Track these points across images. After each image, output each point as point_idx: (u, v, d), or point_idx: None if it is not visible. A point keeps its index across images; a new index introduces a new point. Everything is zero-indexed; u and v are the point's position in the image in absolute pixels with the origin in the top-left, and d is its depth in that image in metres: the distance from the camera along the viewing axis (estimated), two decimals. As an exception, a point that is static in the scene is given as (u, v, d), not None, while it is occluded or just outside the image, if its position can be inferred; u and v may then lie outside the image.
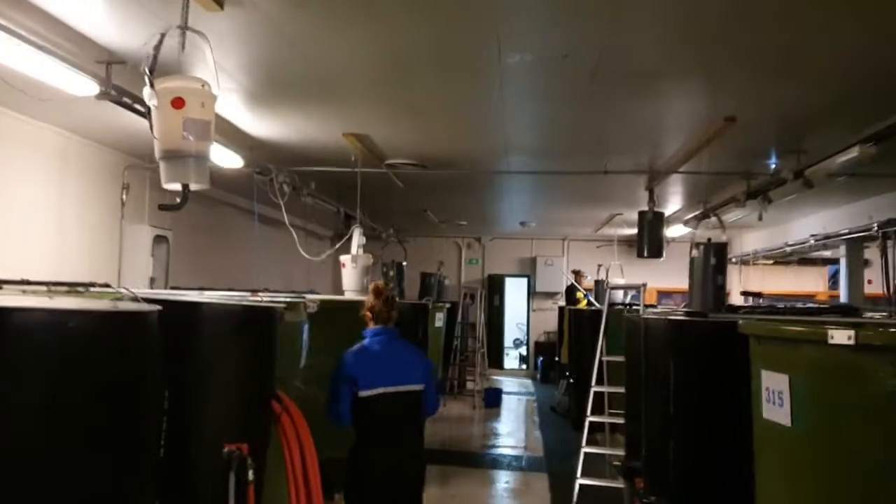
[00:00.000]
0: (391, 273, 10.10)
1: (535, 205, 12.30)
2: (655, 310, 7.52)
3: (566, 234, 16.90)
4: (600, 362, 7.40)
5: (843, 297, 11.21)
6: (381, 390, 4.13)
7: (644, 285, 7.41)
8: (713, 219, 11.11)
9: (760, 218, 8.41)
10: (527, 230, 15.77)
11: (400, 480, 4.16)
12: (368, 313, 4.43)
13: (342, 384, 4.14)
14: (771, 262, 14.92)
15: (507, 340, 19.63)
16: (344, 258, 7.14)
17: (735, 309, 5.22)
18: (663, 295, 16.93)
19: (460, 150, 7.70)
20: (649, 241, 9.26)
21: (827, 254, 13.65)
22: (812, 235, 11.21)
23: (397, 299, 4.59)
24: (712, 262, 6.57)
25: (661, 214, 9.36)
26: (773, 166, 7.73)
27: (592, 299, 13.09)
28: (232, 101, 6.04)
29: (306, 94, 5.84)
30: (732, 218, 11.54)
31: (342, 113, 6.33)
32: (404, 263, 10.47)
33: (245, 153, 7.31)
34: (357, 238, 7.22)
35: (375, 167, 8.09)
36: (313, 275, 15.91)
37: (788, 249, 12.39)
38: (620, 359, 6.61)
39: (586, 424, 6.92)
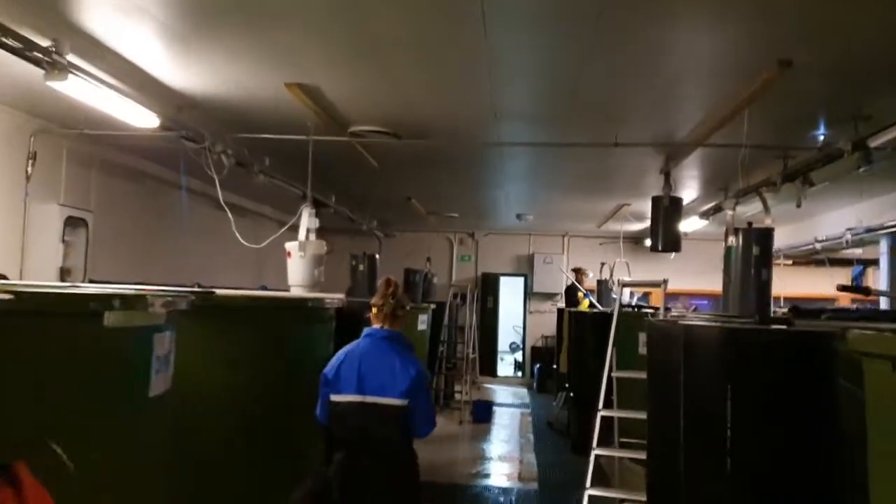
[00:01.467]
0: (361, 267, 8.63)
1: (532, 193, 10.87)
2: (672, 313, 6.11)
3: (567, 230, 15.48)
4: (609, 379, 5.95)
5: (884, 301, 9.80)
6: (349, 398, 3.80)
7: (665, 282, 6.00)
8: (734, 211, 9.72)
9: (799, 205, 6.97)
10: (524, 225, 14.35)
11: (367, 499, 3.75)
12: (373, 309, 4.03)
13: (321, 383, 3.94)
14: (789, 262, 13.45)
15: (502, 344, 18.23)
16: (289, 245, 5.71)
17: (803, 314, 3.79)
18: (670, 297, 15.53)
19: (439, 113, 6.27)
20: (665, 233, 7.84)
21: (858, 251, 12.26)
22: (849, 229, 9.79)
23: (401, 296, 4.07)
24: (754, 251, 5.15)
25: (679, 201, 7.93)
26: (822, 138, 6.31)
27: (595, 300, 11.68)
28: (144, 38, 4.63)
29: (235, 27, 4.43)
30: (749, 212, 10.16)
31: (281, 54, 4.91)
32: (377, 256, 8.97)
33: (171, 113, 5.90)
34: (307, 220, 5.80)
35: (337, 136, 6.65)
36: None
37: (818, 246, 10.96)
38: (637, 376, 5.19)
39: (592, 459, 5.46)
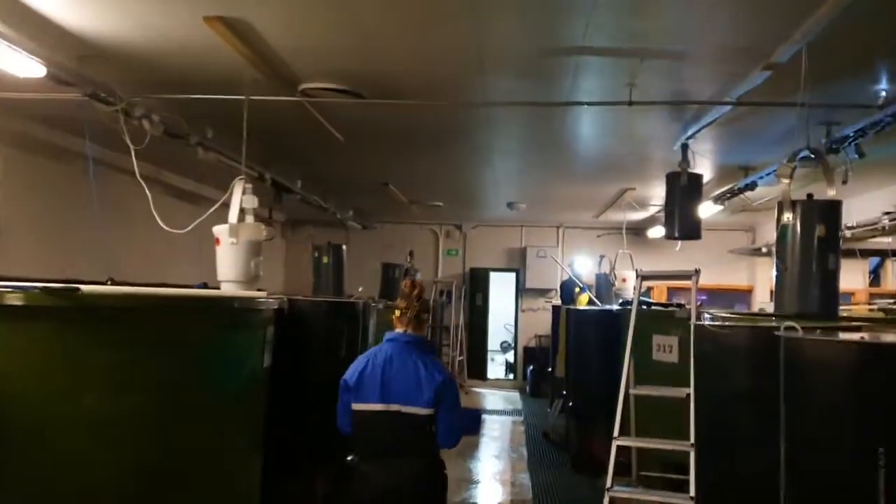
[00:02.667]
0: (325, 259, 7.37)
1: (525, 176, 9.65)
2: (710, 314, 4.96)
3: (562, 221, 14.29)
4: (626, 397, 4.75)
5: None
6: (372, 406, 3.64)
7: (698, 273, 4.83)
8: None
9: (845, 181, 5.78)
10: (515, 215, 13.14)
11: None
12: (396, 312, 3.83)
13: (341, 389, 3.78)
14: None
15: (492, 343, 17.05)
16: (218, 230, 4.47)
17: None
18: (674, 292, 14.37)
19: (412, 64, 5.05)
20: (682, 217, 6.66)
21: (886, 240, 11.10)
22: (886, 213, 8.63)
23: (426, 300, 3.86)
24: (818, 231, 3.96)
25: (699, 179, 6.75)
26: (883, 94, 5.12)
27: (594, 297, 10.50)
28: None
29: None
30: (768, 196, 9.01)
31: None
32: (344, 247, 7.68)
33: (70, 64, 4.67)
34: (239, 197, 4.55)
35: (284, 96, 5.42)
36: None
37: (848, 233, 9.79)
38: (670, 394, 4.01)
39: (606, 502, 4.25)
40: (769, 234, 13.67)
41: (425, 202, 11.69)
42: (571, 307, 9.21)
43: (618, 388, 7.65)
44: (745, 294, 14.38)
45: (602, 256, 11.72)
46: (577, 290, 10.52)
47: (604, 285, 11.21)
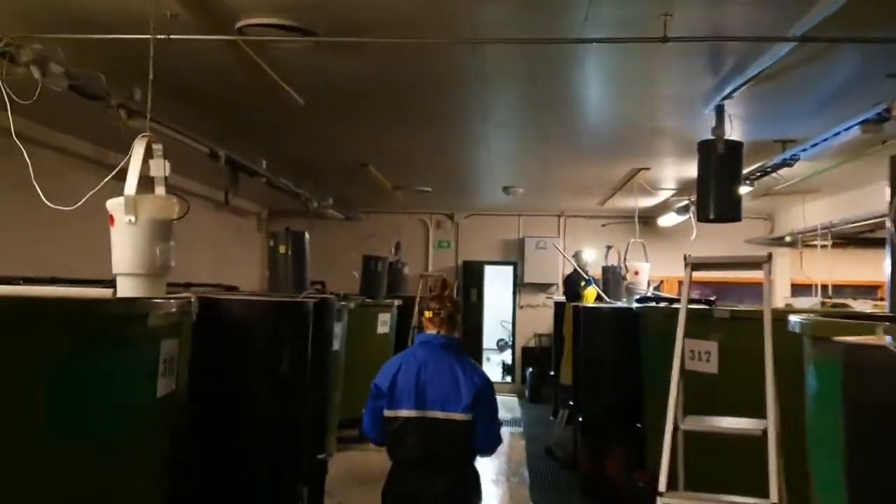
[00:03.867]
0: (283, 249, 6.10)
1: (523, 153, 8.42)
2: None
3: (563, 209, 13.09)
4: (675, 432, 3.56)
5: None
6: (405, 412, 3.44)
7: (769, 258, 3.65)
8: (776, 174, 7.36)
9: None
10: (512, 202, 11.94)
11: None
12: (427, 313, 3.62)
13: (369, 395, 3.59)
14: (829, 243, 11.05)
15: (488, 341, 15.92)
16: (112, 204, 3.25)
17: None
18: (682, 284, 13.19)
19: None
20: (718, 194, 5.46)
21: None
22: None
23: (456, 299, 3.78)
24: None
25: (739, 148, 5.53)
26: None
27: (602, 292, 9.32)
28: None
29: None
30: (790, 179, 7.85)
31: None
32: (307, 235, 6.38)
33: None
34: (140, 161, 3.33)
35: (216, 34, 4.21)
36: (237, 263, 12.07)
37: (889, 222, 8.64)
38: (745, 428, 2.84)
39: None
40: (791, 222, 12.52)
41: (412, 188, 10.47)
42: (580, 304, 8.02)
43: (637, 400, 6.55)
44: (761, 288, 13.17)
45: (609, 247, 10.54)
46: (583, 283, 9.32)
47: (612, 279, 10.03)
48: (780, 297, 12.92)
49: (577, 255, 9.67)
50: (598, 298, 9.22)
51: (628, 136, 7.12)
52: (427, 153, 8.34)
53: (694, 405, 4.87)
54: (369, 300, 8.29)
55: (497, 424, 3.60)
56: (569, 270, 10.79)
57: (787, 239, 11.05)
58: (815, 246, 11.46)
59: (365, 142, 7.79)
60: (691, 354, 5.23)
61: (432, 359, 3.51)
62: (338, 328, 5.99)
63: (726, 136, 5.41)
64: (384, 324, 8.29)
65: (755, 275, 13.00)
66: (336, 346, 5.78)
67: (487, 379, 3.59)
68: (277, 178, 8.71)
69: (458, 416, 3.40)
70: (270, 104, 5.96)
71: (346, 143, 7.83)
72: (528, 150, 8.11)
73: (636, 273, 9.00)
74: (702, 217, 5.57)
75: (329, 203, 11.06)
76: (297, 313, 3.88)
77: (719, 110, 5.48)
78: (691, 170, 8.81)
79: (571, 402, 7.94)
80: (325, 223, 12.33)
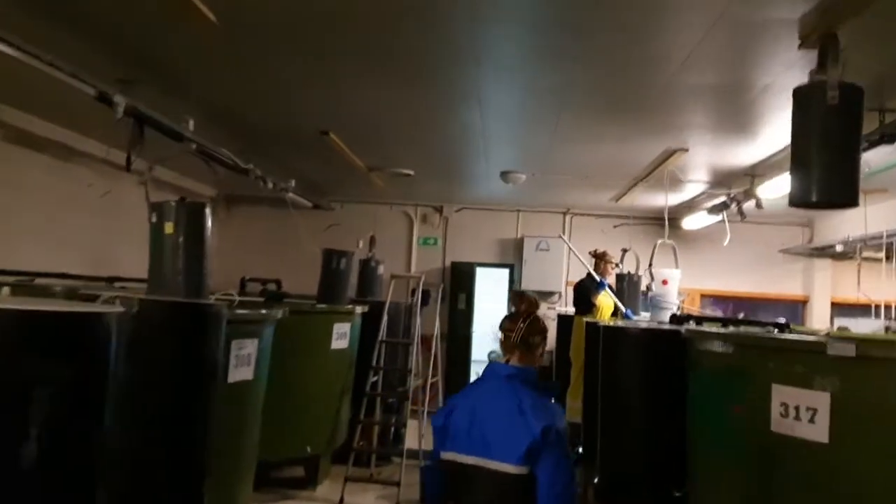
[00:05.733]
0: (168, 230, 4.12)
1: (528, 122, 6.53)
2: None
3: (569, 206, 11.23)
4: None
5: None
6: (459, 457, 2.90)
7: None
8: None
9: None
10: (511, 195, 10.12)
11: None
12: (501, 335, 3.08)
13: (434, 431, 3.03)
14: (878, 256, 9.18)
15: (478, 353, 14.04)
16: None
17: None
18: (708, 300, 11.35)
19: None
20: (825, 165, 3.57)
21: None
22: None
23: (539, 319, 3.06)
24: None
25: (858, 96, 3.65)
26: None
27: (622, 305, 7.48)
28: None
29: None
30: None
31: None
32: (208, 210, 4.39)
33: None
34: None
35: None
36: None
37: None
38: None
39: None
40: (834, 229, 10.68)
41: (390, 169, 8.60)
42: (597, 321, 6.17)
43: (679, 459, 4.71)
44: (797, 305, 11.36)
45: (625, 250, 8.69)
46: (601, 296, 7.44)
47: (629, 289, 8.20)
48: (817, 316, 11.13)
49: (596, 258, 7.74)
50: (616, 313, 7.38)
51: (668, 95, 5.25)
52: (406, 119, 6.47)
53: (786, 493, 3.23)
54: (322, 306, 6.42)
55: (569, 488, 2.83)
56: (576, 274, 8.87)
57: (839, 248, 9.18)
58: (875, 258, 9.65)
59: (323, 100, 5.94)
60: (783, 410, 3.39)
61: (492, 393, 2.95)
62: (250, 346, 4.13)
63: (842, 79, 3.55)
64: (342, 336, 6.42)
65: (791, 291, 11.16)
66: (244, 373, 3.93)
67: (555, 426, 2.80)
68: (217, 147, 6.88)
69: (511, 469, 2.78)
70: (175, 27, 4.13)
71: (299, 100, 5.99)
72: (533, 116, 6.22)
73: (664, 283, 7.14)
74: (798, 200, 3.68)
75: (290, 186, 9.18)
76: (66, 334, 1.96)
77: (826, 43, 3.63)
78: (740, 153, 7.05)
79: (581, 450, 6.08)
80: (289, 213, 10.48)
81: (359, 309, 6.73)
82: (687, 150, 6.75)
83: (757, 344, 3.54)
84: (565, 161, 7.80)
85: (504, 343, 3.06)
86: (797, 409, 3.29)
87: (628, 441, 4.93)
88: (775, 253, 11.18)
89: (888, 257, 8.20)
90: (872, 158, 6.00)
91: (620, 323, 6.04)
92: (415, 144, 7.47)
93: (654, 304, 7.16)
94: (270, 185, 8.44)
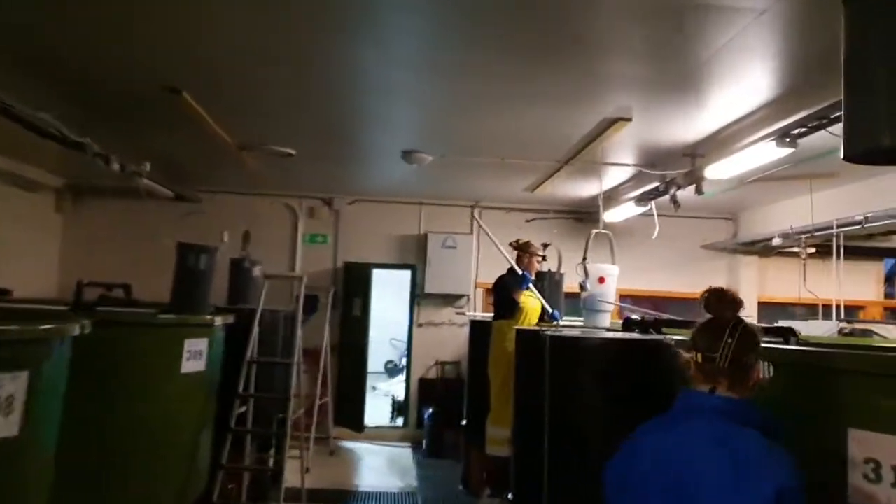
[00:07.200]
0: None
1: (437, 82, 5.12)
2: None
3: (478, 198, 9.94)
4: None
5: None
6: None
7: None
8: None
9: None
10: (413, 184, 8.76)
11: None
12: (690, 353, 2.25)
13: (606, 485, 2.31)
14: (810, 251, 8.37)
15: (374, 364, 12.66)
16: None
17: None
18: (627, 300, 10.29)
19: None
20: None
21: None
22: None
23: (748, 327, 2.22)
24: None
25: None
26: None
27: (548, 306, 6.23)
28: None
29: None
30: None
31: None
32: None
33: None
34: None
35: None
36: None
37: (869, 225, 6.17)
38: None
39: None
40: (756, 226, 9.86)
41: (266, 146, 7.02)
42: (531, 329, 4.86)
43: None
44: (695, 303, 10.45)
45: (545, 245, 7.42)
46: (525, 295, 6.16)
47: (549, 288, 6.96)
48: (744, 315, 10.29)
49: (518, 249, 6.46)
50: (543, 317, 6.11)
51: (600, 47, 4.01)
52: (284, 76, 4.96)
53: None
54: (166, 316, 4.83)
55: None
56: (488, 275, 7.55)
57: (776, 241, 8.26)
58: (795, 254, 8.85)
59: (170, 42, 4.36)
60: (869, 471, 2.14)
61: (695, 437, 2.05)
62: (11, 385, 2.55)
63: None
64: (195, 356, 4.84)
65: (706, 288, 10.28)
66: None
67: (792, 485, 1.89)
68: (36, 111, 5.20)
69: None
70: None
71: (137, 42, 4.38)
72: (443, 70, 4.83)
73: (601, 280, 5.92)
74: (859, 148, 2.45)
75: (145, 169, 7.49)
76: None
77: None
78: (682, 127, 5.90)
79: (511, 496, 4.72)
80: (148, 205, 8.74)
81: (220, 320, 5.16)
82: (630, 120, 5.54)
83: (831, 365, 2.26)
84: (479, 136, 6.44)
85: (702, 366, 2.19)
86: (876, 468, 2.04)
87: (587, 481, 3.62)
88: (697, 248, 10.29)
89: (838, 251, 7.30)
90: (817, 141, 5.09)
91: (576, 332, 4.72)
92: (296, 111, 5.95)
93: (588, 306, 5.94)
94: (117, 167, 6.77)
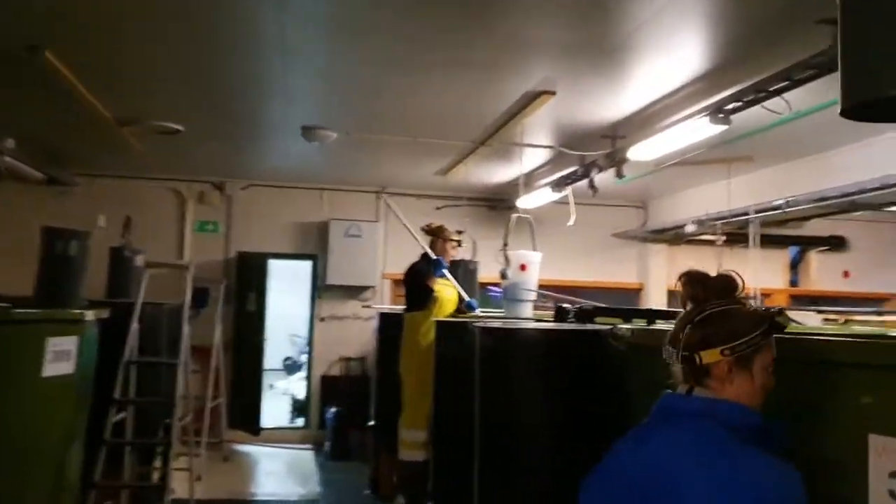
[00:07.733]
0: None
1: (341, 49, 4.57)
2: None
3: (384, 184, 9.39)
4: None
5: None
6: None
7: None
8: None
9: None
10: (314, 166, 8.17)
11: None
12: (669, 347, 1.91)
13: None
14: (723, 238, 8.36)
15: (272, 361, 11.90)
16: None
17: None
18: (549, 288, 10.00)
19: None
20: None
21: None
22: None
23: (741, 298, 1.86)
24: None
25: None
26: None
27: (465, 294, 5.79)
28: None
29: None
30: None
31: None
32: None
33: None
34: None
35: None
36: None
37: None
38: None
39: None
40: (665, 214, 9.77)
41: (149, 121, 6.26)
42: (468, 320, 4.39)
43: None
44: (632, 294, 10.35)
45: (461, 232, 6.95)
46: (441, 285, 5.69)
47: (464, 277, 6.51)
48: (654, 304, 10.20)
49: (432, 234, 5.97)
50: (462, 309, 5.66)
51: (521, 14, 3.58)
52: (168, 35, 4.28)
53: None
54: (22, 311, 4.07)
55: None
56: (396, 265, 7.01)
57: (690, 228, 8.11)
58: (699, 241, 8.82)
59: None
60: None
61: (674, 444, 1.72)
62: None
63: None
64: (62, 357, 4.11)
65: (626, 279, 10.10)
66: None
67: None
68: None
69: None
70: None
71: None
72: (349, 29, 4.28)
73: (523, 268, 5.50)
74: (855, 100, 2.09)
75: (8, 146, 6.61)
76: None
77: None
78: (603, 107, 5.62)
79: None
80: (12, 187, 7.81)
81: (91, 315, 4.43)
82: (554, 94, 5.14)
83: (850, 358, 1.86)
84: (389, 110, 5.93)
85: (676, 365, 1.84)
86: None
87: (526, 474, 3.18)
88: (608, 237, 10.10)
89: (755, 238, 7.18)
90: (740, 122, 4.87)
91: (506, 323, 4.26)
92: (184, 79, 5.24)
93: (509, 296, 5.52)
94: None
